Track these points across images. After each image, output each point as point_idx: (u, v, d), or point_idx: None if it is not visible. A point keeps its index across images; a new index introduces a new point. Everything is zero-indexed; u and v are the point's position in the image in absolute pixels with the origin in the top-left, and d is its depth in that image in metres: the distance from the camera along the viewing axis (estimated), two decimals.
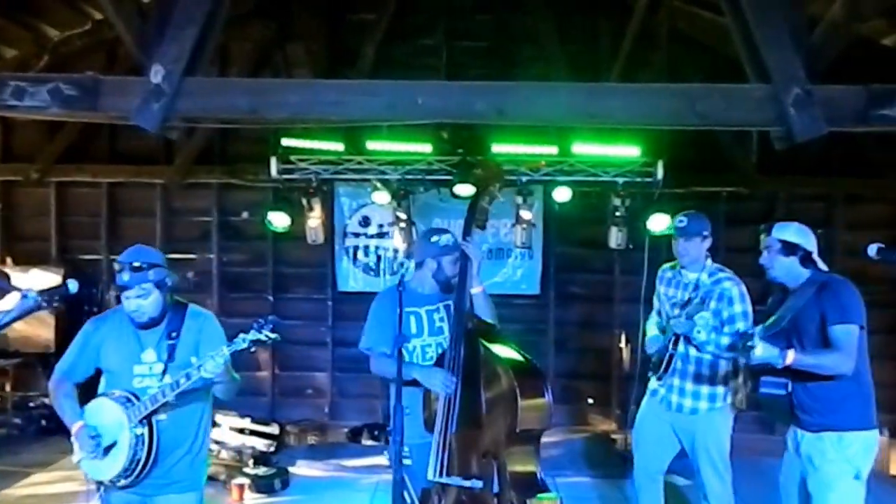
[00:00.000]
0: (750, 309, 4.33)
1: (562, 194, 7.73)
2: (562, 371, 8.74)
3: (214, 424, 7.43)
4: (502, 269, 8.65)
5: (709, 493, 4.42)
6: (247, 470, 6.70)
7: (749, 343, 3.33)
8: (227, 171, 8.71)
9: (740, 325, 4.25)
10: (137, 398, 3.19)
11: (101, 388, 3.39)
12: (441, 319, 4.00)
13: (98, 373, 3.42)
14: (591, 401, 8.87)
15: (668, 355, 4.38)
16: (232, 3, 5.00)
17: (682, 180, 7.83)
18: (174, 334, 3.30)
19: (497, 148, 7.40)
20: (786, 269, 3.66)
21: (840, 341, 3.46)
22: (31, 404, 8.04)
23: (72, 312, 7.16)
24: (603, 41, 8.22)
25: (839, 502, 3.53)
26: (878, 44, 6.54)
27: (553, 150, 7.49)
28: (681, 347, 4.37)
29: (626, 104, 4.91)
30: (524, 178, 7.64)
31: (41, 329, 7.52)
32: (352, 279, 8.85)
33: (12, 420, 7.97)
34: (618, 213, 7.62)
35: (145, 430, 3.18)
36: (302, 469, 7.24)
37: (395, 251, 8.61)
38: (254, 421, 7.57)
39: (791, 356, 3.36)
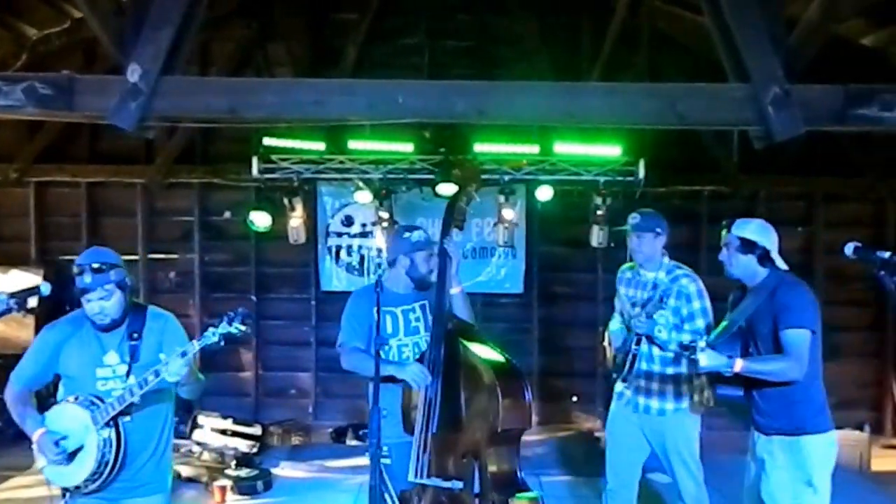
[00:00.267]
0: (709, 305, 4.33)
1: (544, 193, 7.75)
2: (546, 369, 8.76)
3: (196, 426, 7.40)
4: (486, 268, 8.64)
5: (683, 494, 4.41)
6: (229, 471, 6.67)
7: (692, 356, 3.31)
8: (208, 171, 8.66)
9: (700, 322, 4.26)
10: (102, 401, 3.16)
11: (59, 395, 3.34)
12: (417, 319, 3.99)
13: (55, 380, 3.38)
14: (574, 399, 8.89)
15: (631, 356, 4.36)
16: (212, 2, 4.97)
17: (663, 179, 7.88)
18: (136, 335, 3.27)
19: (479, 147, 7.41)
20: (743, 267, 3.62)
21: (791, 346, 3.40)
22: None
23: (52, 313, 7.09)
24: (585, 42, 8.24)
25: None
26: (856, 43, 6.58)
27: (535, 149, 7.51)
28: (644, 347, 4.35)
29: (607, 104, 4.92)
30: (506, 178, 7.65)
31: (20, 330, 7.41)
32: (335, 279, 8.82)
33: None
34: (599, 212, 7.63)
35: (112, 433, 3.14)
36: (285, 470, 7.22)
37: (378, 250, 8.59)
38: (236, 422, 7.55)
39: (739, 364, 3.33)
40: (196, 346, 3.06)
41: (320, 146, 7.62)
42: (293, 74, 7.50)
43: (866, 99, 4.73)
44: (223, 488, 6.21)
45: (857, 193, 8.59)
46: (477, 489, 3.44)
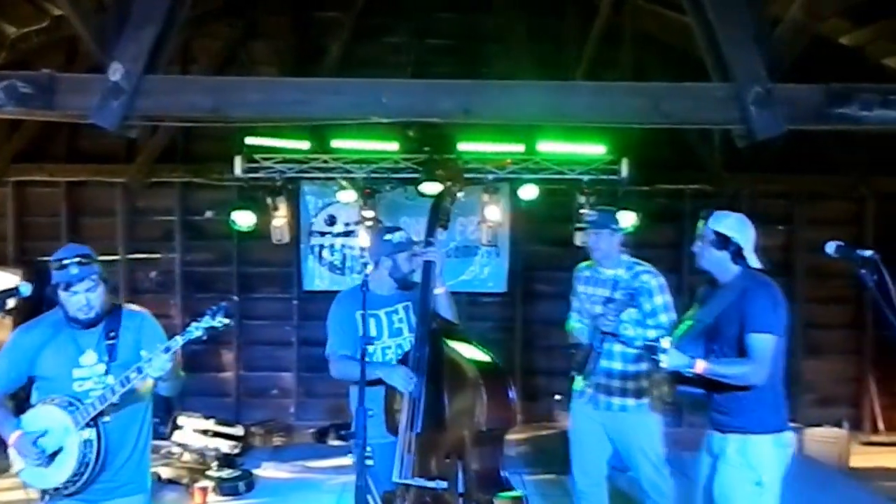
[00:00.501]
0: (670, 300, 4.35)
1: (528, 192, 7.76)
2: (529, 368, 8.78)
3: (176, 427, 7.33)
4: (469, 267, 8.64)
5: (650, 490, 4.41)
6: (210, 472, 6.60)
7: (654, 357, 3.29)
8: (190, 170, 8.59)
9: (662, 317, 4.27)
10: (80, 402, 3.12)
11: (33, 398, 3.29)
12: (400, 321, 3.99)
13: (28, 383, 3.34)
14: (558, 398, 8.90)
15: (595, 353, 4.32)
16: (195, 0, 4.93)
17: (647, 178, 7.91)
18: (113, 334, 3.23)
19: (463, 146, 7.42)
20: (715, 262, 3.53)
21: (754, 350, 3.34)
22: None
23: (32, 314, 7.01)
24: (569, 40, 8.24)
25: None
26: (836, 42, 6.64)
27: (519, 148, 7.53)
28: (605, 344, 4.33)
29: (592, 103, 4.94)
30: (490, 177, 7.64)
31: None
32: (317, 278, 8.79)
33: None
34: (583, 211, 7.64)
35: (93, 433, 3.11)
36: (267, 471, 7.17)
37: (361, 250, 8.56)
38: (218, 422, 7.49)
39: (700, 365, 3.30)
40: (180, 340, 3.04)
41: (304, 145, 7.59)
42: (277, 73, 7.47)
43: (847, 98, 4.77)
44: (204, 489, 6.15)
45: (839, 192, 8.67)
46: (461, 489, 3.43)
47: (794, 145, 5.51)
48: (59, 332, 3.25)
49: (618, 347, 4.33)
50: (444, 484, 3.45)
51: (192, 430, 7.29)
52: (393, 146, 7.53)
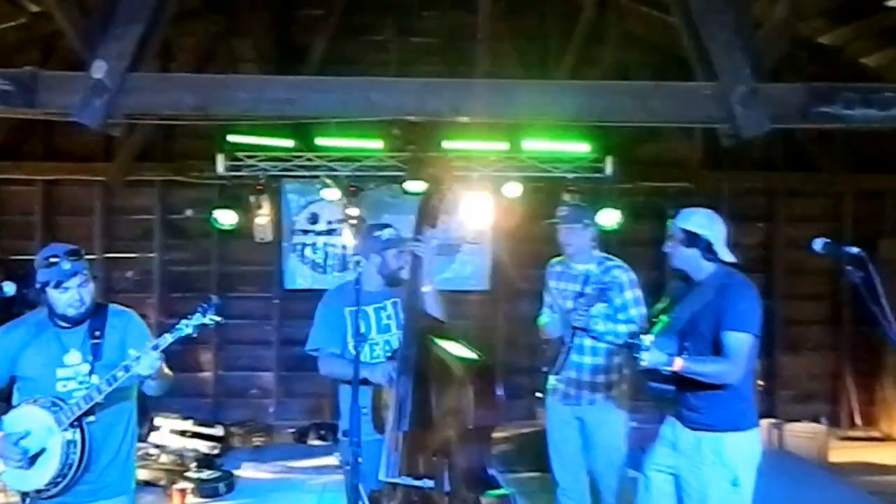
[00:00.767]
0: (640, 294, 4.35)
1: (512, 190, 7.76)
2: (511, 367, 8.76)
3: (153, 427, 7.25)
4: (451, 264, 8.63)
5: (603, 489, 4.41)
6: (190, 474, 6.54)
7: (635, 355, 3.25)
8: (170, 169, 8.51)
9: (633, 311, 4.27)
10: (64, 402, 3.07)
11: (15, 399, 3.23)
12: (388, 317, 3.98)
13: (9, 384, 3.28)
14: (539, 395, 8.90)
15: (566, 349, 4.33)
16: None
17: (629, 176, 7.94)
18: (98, 333, 3.19)
19: (448, 144, 7.41)
20: (687, 260, 3.51)
21: (731, 349, 3.30)
22: None
23: (5, 315, 6.92)
24: (552, 39, 8.25)
25: None
26: (815, 42, 6.72)
27: (504, 146, 7.53)
28: (576, 340, 4.33)
29: (580, 101, 4.98)
30: (475, 174, 7.63)
31: None
32: (299, 277, 8.75)
33: None
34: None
35: (77, 434, 3.06)
36: (248, 471, 7.14)
37: (344, 248, 8.54)
38: (196, 423, 7.42)
39: (678, 363, 3.27)
40: (169, 338, 3.00)
41: (288, 143, 7.55)
42: (259, 71, 7.40)
43: (829, 97, 4.86)
44: (183, 491, 6.08)
45: (817, 189, 8.77)
46: (448, 487, 3.41)
47: (773, 143, 5.58)
48: (42, 332, 3.21)
49: (588, 342, 4.32)
50: (430, 483, 3.44)
51: (169, 431, 7.21)
52: (377, 144, 7.51)
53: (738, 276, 3.46)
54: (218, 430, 7.60)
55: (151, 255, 8.71)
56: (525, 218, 8.32)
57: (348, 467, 3.41)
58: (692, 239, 3.46)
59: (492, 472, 3.52)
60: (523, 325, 8.82)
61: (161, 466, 6.70)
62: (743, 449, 3.43)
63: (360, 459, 3.42)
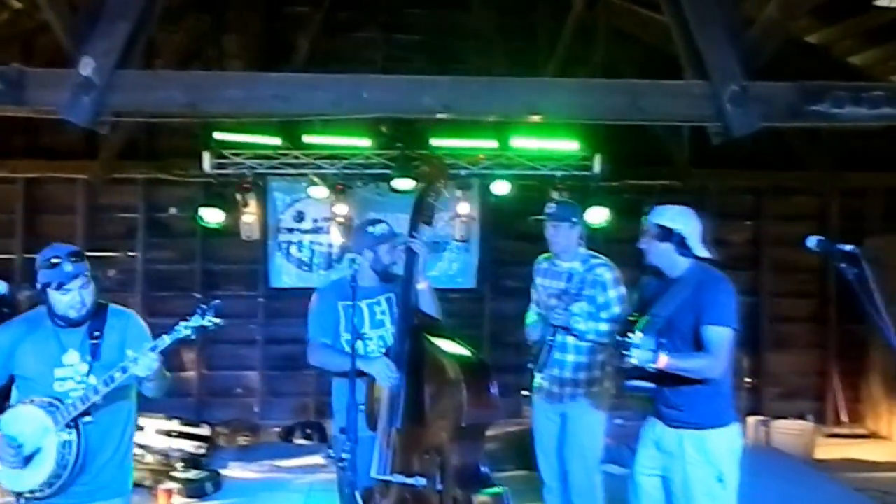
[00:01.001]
0: (624, 292, 4.34)
1: (501, 188, 7.76)
2: (497, 365, 8.66)
3: (138, 427, 7.18)
4: (438, 262, 8.61)
5: (573, 490, 4.38)
6: (176, 474, 6.46)
7: (625, 353, 3.23)
8: (154, 166, 8.44)
9: (616, 310, 4.26)
10: (61, 402, 3.04)
11: (13, 398, 3.21)
12: (382, 312, 3.96)
13: (8, 383, 3.25)
14: (524, 393, 8.90)
15: (547, 347, 4.33)
16: None
17: (617, 174, 7.95)
18: (97, 333, 3.15)
19: (436, 142, 7.40)
20: (661, 255, 3.50)
21: (712, 343, 3.31)
22: None
23: None
24: (541, 37, 8.24)
25: None
26: (803, 41, 6.75)
27: (492, 143, 7.53)
28: (559, 338, 4.32)
29: (572, 99, 4.98)
30: (463, 172, 7.63)
31: None
32: (285, 275, 8.71)
33: None
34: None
35: (73, 434, 3.03)
36: (234, 471, 7.08)
37: (330, 246, 8.50)
38: (182, 422, 7.35)
39: (663, 360, 3.25)
40: (167, 340, 2.97)
41: (274, 141, 7.51)
42: (245, 68, 7.35)
43: (820, 96, 4.87)
44: (169, 492, 6.02)
45: (803, 186, 8.84)
46: (440, 485, 3.40)
47: (760, 141, 5.57)
48: (41, 331, 3.17)
49: (571, 340, 4.31)
50: (423, 480, 3.42)
51: (154, 431, 7.13)
52: (365, 142, 7.48)
53: (713, 272, 3.48)
54: (204, 430, 7.51)
55: (134, 254, 8.61)
56: (513, 216, 8.33)
57: (341, 464, 3.38)
58: (666, 233, 3.46)
59: (485, 470, 3.52)
60: (509, 324, 8.83)
61: (146, 467, 6.61)
62: (726, 445, 3.44)
63: (345, 456, 3.38)
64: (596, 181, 7.64)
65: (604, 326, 4.21)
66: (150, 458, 6.83)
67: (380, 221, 4.05)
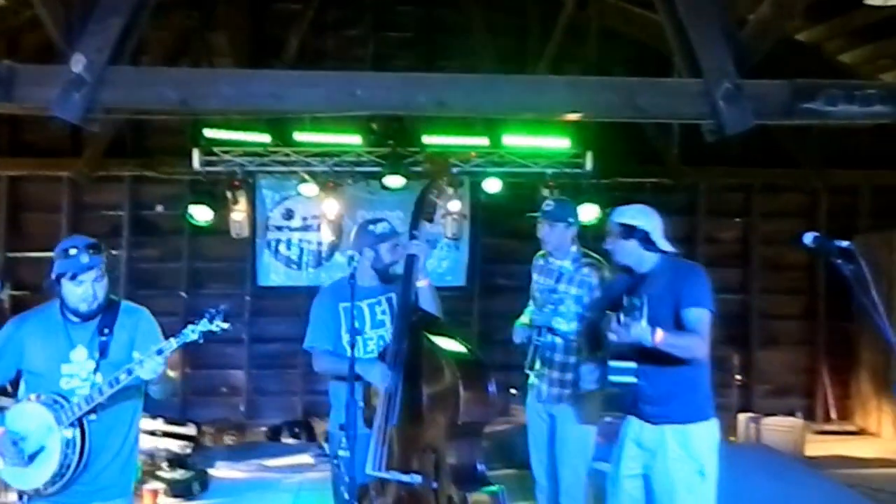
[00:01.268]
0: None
1: (492, 185, 7.75)
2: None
3: None
4: (428, 259, 8.55)
5: (561, 489, 4.37)
6: (162, 473, 6.39)
7: (635, 320, 3.21)
8: (141, 164, 8.37)
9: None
10: (66, 399, 3.01)
11: (21, 393, 3.18)
12: (383, 312, 3.92)
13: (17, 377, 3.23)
14: (513, 391, 8.91)
15: (533, 346, 4.32)
16: None
17: (607, 171, 7.95)
18: (107, 330, 3.11)
19: (428, 139, 7.37)
20: (628, 253, 3.56)
21: (696, 324, 3.36)
22: None
23: None
24: (531, 34, 8.24)
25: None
26: (793, 39, 6.77)
27: (484, 141, 7.52)
28: (547, 337, 4.31)
29: (567, 97, 4.94)
30: (455, 170, 7.60)
31: None
32: (273, 273, 8.66)
33: None
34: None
35: (77, 433, 2.99)
36: (221, 471, 7.02)
37: (319, 244, 8.45)
38: (168, 421, 7.29)
39: (659, 335, 3.27)
40: (174, 343, 2.93)
41: (265, 138, 7.45)
42: (233, 65, 7.29)
43: (812, 94, 4.88)
44: (154, 492, 5.94)
45: (792, 184, 8.89)
46: (436, 483, 3.38)
47: (750, 139, 5.60)
48: (51, 326, 3.13)
49: (559, 340, 4.29)
50: (418, 478, 3.40)
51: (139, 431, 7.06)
52: (356, 139, 7.44)
53: (684, 261, 3.58)
54: (190, 429, 7.44)
55: (116, 252, 8.51)
56: (503, 214, 8.32)
57: (336, 461, 3.34)
58: (628, 231, 3.53)
59: (482, 468, 3.48)
60: (498, 322, 8.82)
61: None
62: (707, 438, 3.46)
63: (345, 452, 3.32)
64: (587, 179, 7.65)
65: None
66: None
67: (381, 220, 4.01)
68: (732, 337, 8.44)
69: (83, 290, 3.04)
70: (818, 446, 7.73)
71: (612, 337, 3.29)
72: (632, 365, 3.45)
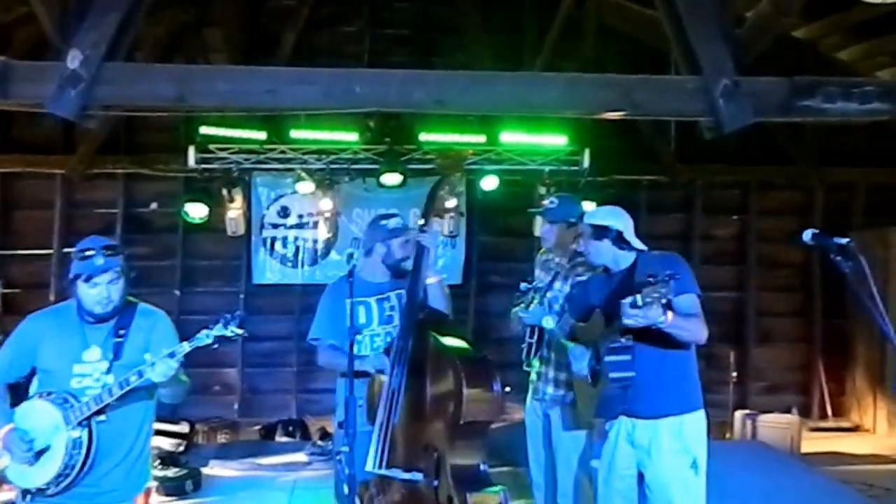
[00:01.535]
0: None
1: (489, 183, 7.73)
2: None
3: None
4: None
5: (559, 494, 4.35)
6: (154, 472, 6.37)
7: (663, 300, 3.15)
8: (134, 161, 8.32)
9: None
10: (76, 399, 2.99)
11: (33, 389, 3.16)
12: (392, 308, 3.91)
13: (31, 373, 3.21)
14: (508, 389, 8.86)
15: (527, 344, 4.30)
16: None
17: (604, 169, 7.95)
18: (122, 332, 3.10)
19: (425, 137, 7.36)
20: (601, 253, 3.62)
21: (689, 309, 3.39)
22: None
23: None
24: (527, 31, 8.21)
25: (683, 499, 3.45)
26: (790, 36, 6.77)
27: (481, 138, 7.50)
28: (545, 334, 4.28)
29: (565, 94, 4.92)
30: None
31: None
32: (268, 271, 8.62)
33: None
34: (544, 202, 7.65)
35: (84, 434, 2.97)
36: (214, 469, 6.99)
37: (315, 242, 8.42)
38: (160, 420, 7.23)
39: (670, 316, 3.24)
40: (187, 347, 2.94)
41: (260, 135, 7.42)
42: (229, 61, 7.24)
43: (811, 91, 4.88)
44: (147, 490, 5.93)
45: (789, 181, 8.90)
46: (437, 482, 3.37)
47: (746, 136, 5.62)
48: (67, 325, 3.11)
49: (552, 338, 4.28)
50: (419, 476, 3.40)
51: None
52: (352, 137, 7.42)
53: (661, 253, 3.63)
54: (183, 427, 7.41)
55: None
56: (500, 211, 8.31)
57: (339, 457, 3.36)
58: (600, 231, 3.60)
59: (484, 469, 3.46)
60: (494, 320, 8.81)
61: None
62: (699, 429, 3.50)
63: (344, 449, 3.36)
64: (584, 176, 7.65)
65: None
66: None
67: (393, 215, 4.01)
68: (728, 334, 8.47)
69: (98, 293, 3.02)
70: (814, 443, 7.76)
71: (629, 322, 3.24)
72: (627, 358, 3.43)
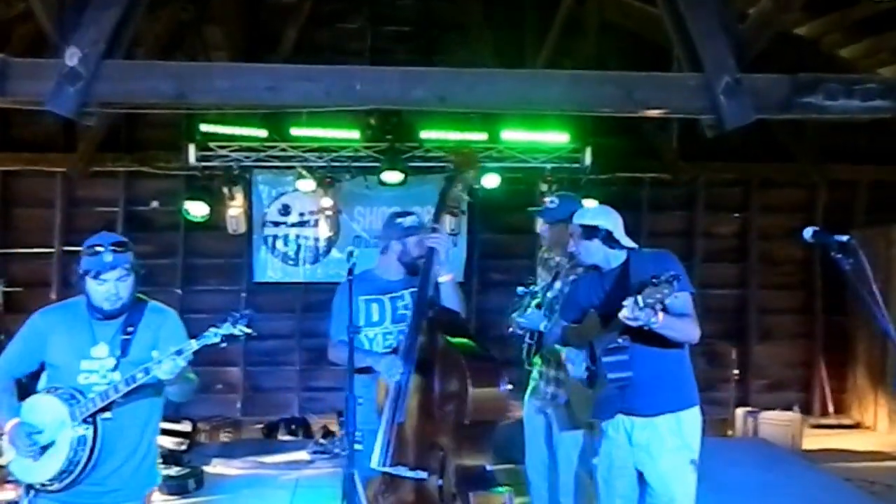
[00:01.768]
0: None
1: (491, 181, 7.71)
2: None
3: None
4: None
5: (560, 491, 4.36)
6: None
7: (664, 302, 3.16)
8: (135, 159, 8.31)
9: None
10: (83, 395, 2.98)
11: (41, 385, 3.15)
12: (406, 307, 3.89)
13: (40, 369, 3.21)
14: (510, 386, 8.86)
15: (526, 345, 4.31)
16: None
17: (606, 166, 7.94)
18: (131, 329, 3.10)
19: (426, 134, 7.35)
20: (592, 252, 3.62)
21: (682, 308, 3.39)
22: None
23: None
24: (529, 28, 8.20)
25: (683, 495, 3.47)
26: (792, 33, 6.76)
27: (482, 136, 7.49)
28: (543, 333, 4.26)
29: (567, 91, 4.91)
30: (452, 165, 7.56)
31: None
32: (270, 269, 8.60)
33: None
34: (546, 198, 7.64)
35: (89, 430, 2.96)
36: (217, 468, 6.99)
37: (316, 240, 8.42)
38: (163, 418, 7.23)
39: (661, 317, 3.23)
40: (195, 345, 2.92)
41: (261, 133, 7.41)
42: (229, 59, 7.23)
43: (813, 88, 4.87)
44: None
45: (790, 179, 8.88)
46: (441, 480, 3.36)
47: (748, 134, 5.61)
48: (76, 320, 3.11)
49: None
50: (423, 474, 3.40)
51: None
52: (353, 134, 7.40)
53: (653, 251, 3.64)
54: (186, 426, 7.42)
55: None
56: (501, 209, 8.29)
57: (346, 453, 3.37)
58: (590, 231, 3.59)
59: (490, 469, 3.45)
60: (495, 318, 8.77)
61: None
62: (696, 424, 3.52)
63: (358, 446, 3.38)
64: (586, 174, 7.64)
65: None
66: None
67: (410, 213, 4.00)
68: (730, 331, 8.49)
69: (106, 289, 3.02)
70: (815, 440, 7.77)
71: (627, 320, 3.21)
72: (624, 357, 3.42)
